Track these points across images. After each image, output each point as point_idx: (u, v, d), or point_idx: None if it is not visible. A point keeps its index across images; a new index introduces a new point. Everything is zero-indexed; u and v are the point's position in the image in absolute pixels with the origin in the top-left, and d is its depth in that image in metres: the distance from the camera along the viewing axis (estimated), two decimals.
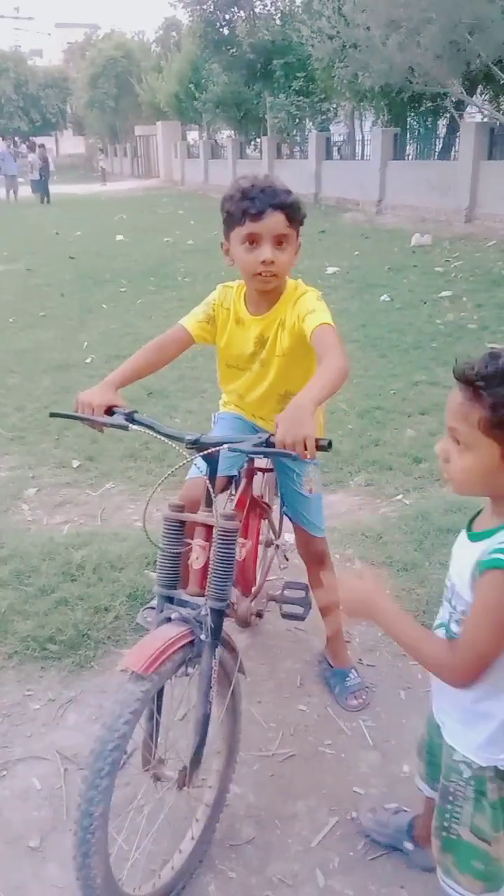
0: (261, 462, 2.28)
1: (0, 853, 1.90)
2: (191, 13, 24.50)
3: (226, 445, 1.59)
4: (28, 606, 2.79)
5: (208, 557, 1.66)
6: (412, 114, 19.07)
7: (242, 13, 23.55)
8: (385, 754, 2.21)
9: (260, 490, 2.38)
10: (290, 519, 2.35)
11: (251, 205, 1.85)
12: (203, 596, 1.66)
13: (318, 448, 1.49)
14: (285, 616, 2.36)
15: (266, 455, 1.57)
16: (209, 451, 1.61)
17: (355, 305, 7.86)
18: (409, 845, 1.86)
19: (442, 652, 1.33)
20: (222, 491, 2.17)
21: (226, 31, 24.23)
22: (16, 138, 39.94)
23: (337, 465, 4.01)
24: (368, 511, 3.58)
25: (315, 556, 2.33)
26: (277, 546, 2.61)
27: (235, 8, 23.68)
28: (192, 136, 35.34)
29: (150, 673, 1.50)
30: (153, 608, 2.00)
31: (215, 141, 30.30)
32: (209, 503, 1.69)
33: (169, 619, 1.66)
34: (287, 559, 2.71)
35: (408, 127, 19.21)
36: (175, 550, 1.69)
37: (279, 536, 2.64)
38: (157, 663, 1.52)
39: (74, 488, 3.91)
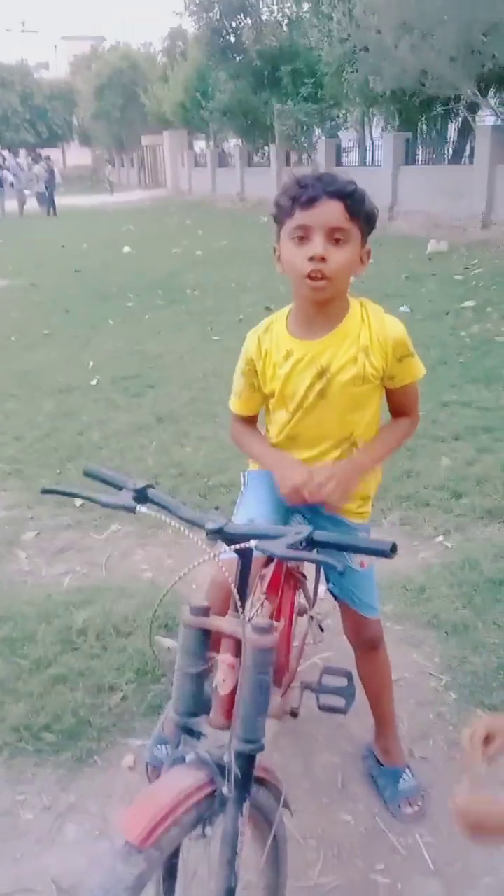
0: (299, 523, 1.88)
1: None
2: (196, 21, 24.27)
3: (254, 543, 1.21)
4: (21, 684, 2.41)
5: (237, 680, 1.28)
6: (423, 118, 18.72)
7: (249, 20, 23.30)
8: (449, 883, 1.81)
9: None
10: (335, 598, 1.96)
11: (303, 192, 1.52)
12: (229, 729, 1.28)
13: (378, 554, 1.15)
14: (323, 708, 1.97)
15: (305, 560, 1.20)
16: (236, 547, 1.23)
17: None
18: None
19: None
20: (264, 567, 1.80)
21: (232, 39, 24.00)
22: (21, 150, 39.92)
23: None
24: (406, 556, 3.19)
25: (368, 642, 1.94)
26: (312, 617, 2.22)
27: (242, 15, 23.44)
28: (199, 145, 35.11)
29: (148, 846, 1.12)
30: (166, 743, 1.60)
31: (222, 150, 30.04)
32: (240, 604, 1.31)
33: (184, 759, 1.28)
34: (322, 630, 2.33)
35: (419, 131, 18.88)
36: (195, 668, 1.31)
37: (314, 605, 2.26)
38: (160, 830, 1.14)
39: (77, 531, 3.53)
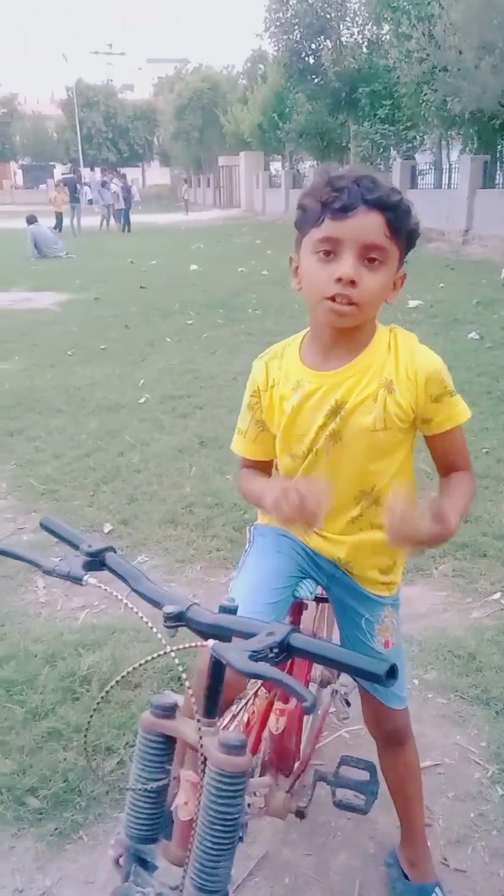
0: (305, 589, 1.57)
1: None
2: (276, 42, 24.36)
3: (211, 643, 0.94)
4: (12, 736, 2.18)
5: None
6: (503, 141, 18.21)
7: (328, 42, 23.23)
8: None
9: (311, 627, 1.71)
10: (355, 680, 1.66)
11: (336, 196, 1.24)
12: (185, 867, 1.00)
13: (368, 678, 0.87)
14: (339, 806, 1.66)
15: (266, 679, 0.92)
16: (193, 645, 0.96)
17: (440, 344, 7.07)
18: None
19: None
20: None
21: (311, 60, 23.96)
22: (101, 169, 40.84)
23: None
24: (456, 614, 2.84)
25: (390, 736, 1.62)
26: (335, 691, 1.92)
27: (321, 37, 23.39)
28: (275, 166, 35.26)
29: None
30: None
31: (297, 171, 30.03)
32: (210, 710, 1.04)
33: None
34: (349, 704, 2.01)
35: (498, 155, 18.36)
36: (152, 784, 1.05)
37: (339, 676, 1.96)
38: None
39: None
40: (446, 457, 1.45)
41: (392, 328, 1.40)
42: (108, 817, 1.95)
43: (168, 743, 1.06)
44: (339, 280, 1.25)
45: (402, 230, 1.28)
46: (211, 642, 0.94)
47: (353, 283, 1.24)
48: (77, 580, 1.07)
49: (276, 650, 0.89)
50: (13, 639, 2.68)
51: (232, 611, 1.01)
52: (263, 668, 0.86)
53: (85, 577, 1.07)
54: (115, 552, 1.11)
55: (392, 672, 0.85)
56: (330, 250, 1.26)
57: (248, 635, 0.93)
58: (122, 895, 1.05)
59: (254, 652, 0.88)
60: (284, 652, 0.89)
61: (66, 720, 2.22)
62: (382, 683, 0.86)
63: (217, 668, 1.02)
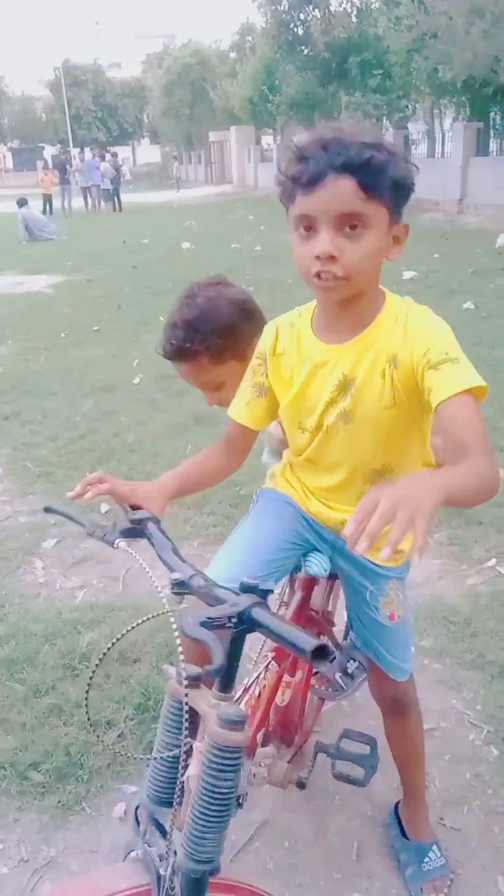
0: (318, 566, 1.53)
1: None
2: (265, 14, 24.01)
3: (180, 608, 0.97)
4: (13, 713, 2.21)
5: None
6: (496, 108, 18.00)
7: (317, 11, 22.88)
8: None
9: (321, 602, 1.72)
10: (361, 650, 1.66)
11: (303, 168, 1.16)
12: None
13: (297, 651, 0.89)
14: (338, 777, 1.68)
15: (203, 641, 0.94)
16: (163, 612, 0.97)
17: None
18: None
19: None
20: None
21: (300, 31, 23.64)
22: (88, 148, 40.31)
23: None
24: (452, 581, 2.87)
25: (393, 705, 1.63)
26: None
27: (310, 6, 23.03)
28: (267, 140, 34.84)
29: None
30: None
31: None
32: (225, 682, 1.02)
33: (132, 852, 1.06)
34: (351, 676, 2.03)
35: (491, 122, 18.16)
36: (167, 751, 1.04)
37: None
38: None
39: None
40: (455, 432, 1.13)
41: (407, 299, 1.32)
42: (110, 789, 1.98)
43: (188, 714, 1.05)
44: (318, 256, 1.19)
45: (382, 186, 1.16)
46: (181, 607, 0.96)
47: (332, 258, 1.18)
48: (110, 543, 1.13)
49: (234, 620, 0.92)
50: (13, 618, 2.71)
51: (251, 588, 1.00)
52: (202, 633, 0.88)
53: (117, 541, 1.11)
54: (157, 523, 1.15)
55: (321, 652, 0.85)
56: (308, 226, 1.21)
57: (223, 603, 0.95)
58: (129, 847, 1.07)
59: (208, 619, 0.90)
60: (244, 624, 0.92)
61: (67, 696, 2.25)
62: (309, 661, 0.87)
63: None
